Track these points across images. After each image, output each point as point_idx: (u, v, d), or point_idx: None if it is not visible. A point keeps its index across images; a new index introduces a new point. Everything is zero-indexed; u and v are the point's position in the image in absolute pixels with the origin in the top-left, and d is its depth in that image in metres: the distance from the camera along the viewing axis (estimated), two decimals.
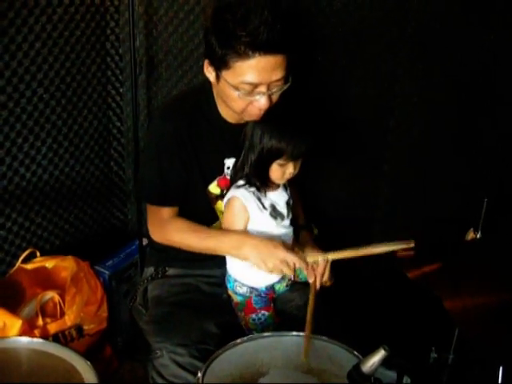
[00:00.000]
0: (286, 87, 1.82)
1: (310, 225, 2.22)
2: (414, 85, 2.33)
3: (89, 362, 1.63)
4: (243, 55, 1.70)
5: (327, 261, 1.90)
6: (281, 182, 1.97)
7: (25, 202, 2.62)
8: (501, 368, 1.42)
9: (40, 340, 1.79)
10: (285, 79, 1.80)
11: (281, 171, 1.92)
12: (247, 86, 1.76)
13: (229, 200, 1.97)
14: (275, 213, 1.98)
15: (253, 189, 1.94)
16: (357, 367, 1.45)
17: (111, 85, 2.91)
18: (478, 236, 1.71)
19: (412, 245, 1.76)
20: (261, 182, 1.94)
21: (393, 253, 1.79)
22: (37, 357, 1.69)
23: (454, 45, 2.20)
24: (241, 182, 1.96)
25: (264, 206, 1.95)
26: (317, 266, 1.89)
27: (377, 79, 2.36)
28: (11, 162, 2.52)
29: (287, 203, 2.03)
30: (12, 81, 2.43)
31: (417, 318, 2.36)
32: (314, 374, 1.62)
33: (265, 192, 1.96)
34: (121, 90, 2.93)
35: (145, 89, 2.83)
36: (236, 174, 1.98)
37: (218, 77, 1.82)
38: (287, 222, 2.03)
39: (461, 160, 2.29)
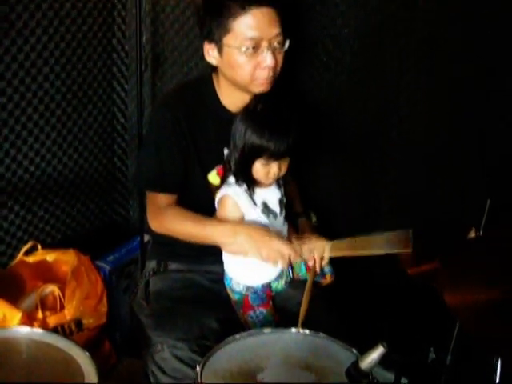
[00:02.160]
0: (287, 45, 1.88)
1: (308, 213, 2.23)
2: (418, 83, 2.32)
3: (87, 353, 1.64)
4: (239, 13, 1.79)
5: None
6: (266, 182, 1.95)
7: (27, 195, 2.63)
8: (499, 361, 1.43)
9: (40, 330, 1.80)
10: (284, 37, 1.86)
11: (264, 171, 1.91)
12: (249, 42, 1.81)
13: (221, 198, 1.97)
14: (267, 210, 1.97)
15: (244, 186, 1.94)
16: (355, 364, 1.45)
17: (116, 81, 2.92)
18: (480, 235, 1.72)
19: (410, 235, 1.78)
20: (246, 181, 1.94)
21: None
22: (36, 347, 1.69)
23: (461, 44, 2.20)
24: (232, 180, 1.96)
25: (255, 203, 1.95)
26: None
27: (381, 77, 2.36)
28: (15, 154, 2.53)
29: (280, 201, 2.02)
30: (18, 74, 2.44)
31: (416, 316, 2.36)
32: (312, 370, 1.61)
33: (253, 190, 1.95)
34: (126, 87, 2.94)
35: (150, 85, 2.84)
36: (226, 171, 1.98)
37: (220, 50, 1.86)
38: (281, 219, 2.03)
39: (464, 159, 2.29)
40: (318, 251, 1.93)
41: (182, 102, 1.99)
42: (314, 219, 2.22)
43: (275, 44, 1.85)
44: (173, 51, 2.76)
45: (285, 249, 1.85)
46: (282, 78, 1.94)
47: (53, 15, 2.51)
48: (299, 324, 1.80)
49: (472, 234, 1.76)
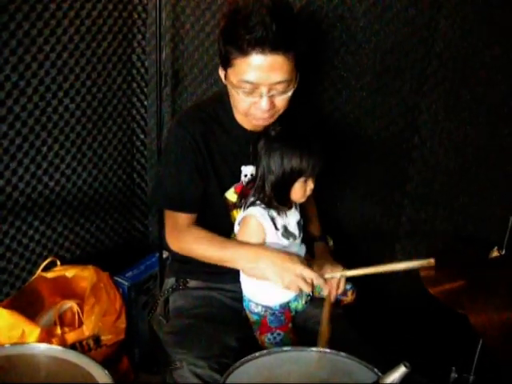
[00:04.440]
0: (290, 93, 1.83)
1: (325, 236, 2.21)
2: (439, 103, 2.31)
3: (106, 371, 1.62)
4: (243, 52, 1.74)
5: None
6: (302, 200, 1.96)
7: (47, 211, 2.64)
8: None
9: (58, 347, 1.78)
10: (289, 83, 1.80)
11: (303, 189, 1.91)
12: (247, 84, 1.78)
13: (245, 217, 1.95)
14: (287, 233, 1.96)
15: (267, 209, 1.93)
16: (377, 383, 1.43)
17: (136, 97, 2.93)
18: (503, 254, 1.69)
19: (432, 263, 1.75)
20: (280, 203, 1.93)
21: (414, 271, 1.78)
22: (55, 363, 1.68)
23: (482, 64, 2.19)
24: (252, 200, 1.95)
25: (276, 227, 1.94)
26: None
27: (402, 96, 2.35)
28: (35, 170, 2.54)
29: (298, 223, 2.02)
30: (39, 89, 2.46)
31: (438, 335, 2.33)
32: None
33: (285, 213, 1.96)
34: (145, 103, 2.96)
35: (169, 102, 2.86)
36: (253, 196, 1.96)
37: (226, 77, 1.86)
38: (298, 241, 2.02)
39: (485, 178, 2.27)
40: (334, 280, 1.93)
41: (198, 121, 1.98)
42: (330, 243, 2.21)
43: (275, 91, 1.80)
44: (192, 67, 2.78)
45: (307, 273, 1.84)
46: (298, 95, 1.92)
47: (73, 31, 2.53)
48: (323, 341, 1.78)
49: (495, 253, 1.74)
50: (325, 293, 1.92)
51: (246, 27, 1.71)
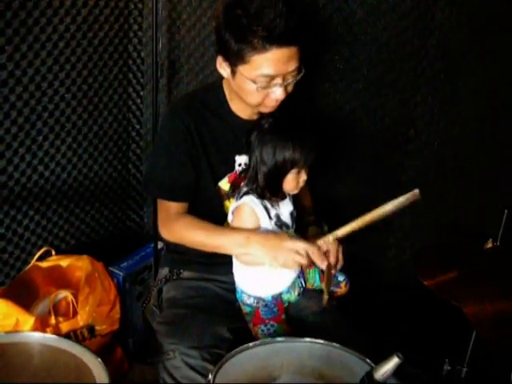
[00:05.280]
0: (299, 77, 1.85)
1: (320, 223, 2.20)
2: (435, 95, 2.32)
3: (99, 359, 1.62)
4: (260, 49, 1.73)
5: (337, 239, 1.91)
6: (295, 191, 1.96)
7: (42, 200, 2.63)
8: None
9: (52, 336, 1.79)
10: (299, 69, 1.83)
11: (295, 181, 1.91)
12: (264, 78, 1.78)
13: (238, 206, 1.95)
14: (280, 223, 1.96)
15: (260, 198, 1.93)
16: (369, 374, 1.43)
17: (132, 87, 2.93)
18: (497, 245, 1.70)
19: (417, 193, 1.77)
20: (273, 194, 1.93)
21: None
22: (48, 352, 1.68)
23: (478, 56, 2.19)
24: (245, 189, 1.95)
25: (270, 216, 1.94)
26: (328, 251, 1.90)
27: (398, 89, 2.36)
28: (31, 159, 2.53)
29: (291, 214, 2.02)
30: (34, 79, 2.45)
31: (432, 328, 2.33)
32: (327, 380, 1.60)
33: (277, 203, 1.96)
34: (141, 93, 2.95)
35: (165, 92, 2.85)
36: (246, 186, 1.96)
37: (233, 72, 1.84)
38: (291, 231, 2.01)
39: (481, 171, 2.27)
40: (332, 249, 1.91)
41: (192, 109, 1.98)
42: (325, 228, 2.20)
43: (289, 78, 1.82)
44: (189, 58, 2.77)
45: (300, 245, 1.83)
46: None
47: (70, 21, 2.51)
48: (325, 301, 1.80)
49: (489, 245, 1.74)
50: (324, 265, 1.87)
51: (262, 22, 1.71)
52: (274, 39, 1.71)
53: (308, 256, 1.83)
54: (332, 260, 1.90)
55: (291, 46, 1.75)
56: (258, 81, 1.79)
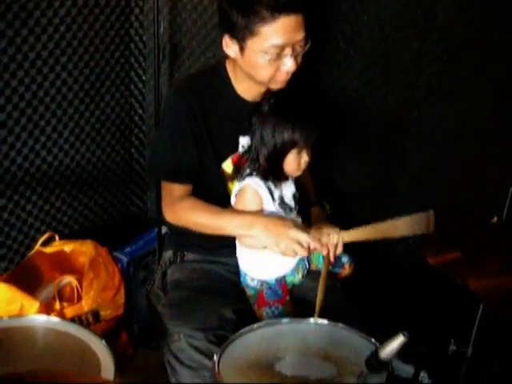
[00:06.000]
0: (307, 48, 1.85)
1: (322, 202, 2.20)
2: (439, 78, 2.30)
3: (104, 342, 1.63)
4: (268, 18, 1.73)
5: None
6: (297, 172, 1.95)
7: (45, 185, 2.63)
8: None
9: (57, 319, 1.79)
10: (306, 40, 1.83)
11: (296, 162, 1.90)
12: (274, 49, 1.77)
13: (242, 188, 1.94)
14: (283, 204, 1.96)
15: (263, 180, 1.93)
16: (375, 353, 1.43)
17: (134, 71, 2.91)
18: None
19: (432, 217, 1.73)
20: (274, 176, 1.92)
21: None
22: (53, 335, 1.69)
23: (482, 40, 2.18)
24: (249, 171, 1.94)
25: (273, 198, 1.94)
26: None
27: (401, 68, 2.34)
28: (33, 144, 2.53)
29: (294, 196, 2.01)
30: (36, 63, 2.44)
31: (437, 308, 2.33)
32: (331, 360, 1.59)
33: (280, 185, 1.95)
34: (143, 77, 2.94)
35: (167, 76, 2.83)
36: (245, 163, 1.96)
37: (242, 48, 1.82)
38: (294, 213, 2.01)
39: (485, 148, 2.26)
40: (332, 239, 1.90)
41: (195, 91, 1.96)
42: (327, 209, 2.20)
43: (298, 48, 1.82)
44: (190, 41, 2.76)
45: (303, 237, 1.82)
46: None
47: (71, 4, 2.50)
48: (316, 314, 1.78)
49: (494, 221, 1.73)
50: (323, 253, 1.90)
51: None
52: (281, 7, 1.72)
53: (308, 249, 1.83)
54: (332, 248, 1.90)
55: (298, 13, 1.75)
56: (269, 52, 1.78)
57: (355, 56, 2.40)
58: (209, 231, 1.96)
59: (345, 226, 1.93)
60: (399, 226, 1.81)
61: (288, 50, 1.79)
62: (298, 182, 2.05)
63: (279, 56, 1.79)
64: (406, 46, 2.32)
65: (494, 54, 2.18)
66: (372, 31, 2.34)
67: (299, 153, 1.89)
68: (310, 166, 1.96)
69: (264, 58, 1.79)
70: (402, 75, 2.35)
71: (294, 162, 1.90)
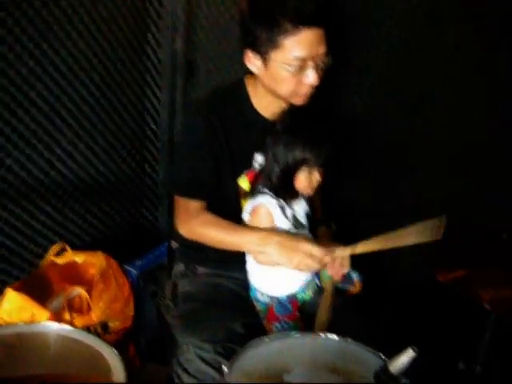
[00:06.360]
0: (330, 62, 1.88)
1: (328, 221, 2.22)
2: (445, 92, 2.32)
3: (115, 350, 1.65)
4: (291, 31, 1.77)
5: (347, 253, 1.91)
6: (309, 191, 1.97)
7: (59, 197, 2.64)
8: None
9: (69, 327, 1.81)
10: (328, 55, 1.87)
11: (307, 180, 1.92)
12: (297, 61, 1.81)
13: (255, 207, 1.97)
14: (296, 223, 1.98)
15: (277, 199, 1.95)
16: (384, 368, 1.44)
17: (149, 88, 2.94)
18: None
19: (443, 223, 1.73)
20: (286, 193, 1.95)
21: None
22: (64, 342, 1.71)
23: (489, 46, 2.20)
24: (263, 189, 1.97)
25: (286, 216, 1.96)
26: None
27: (409, 83, 2.36)
28: (49, 156, 2.55)
29: (306, 214, 2.04)
30: (54, 77, 2.47)
31: (447, 322, 2.33)
32: (340, 373, 1.61)
33: (293, 203, 1.98)
34: (158, 94, 2.96)
35: (182, 93, 2.86)
36: (259, 180, 1.98)
37: (265, 61, 1.85)
38: (306, 231, 2.03)
39: (494, 164, 2.28)
40: (338, 259, 1.92)
41: (215, 107, 2.00)
42: (333, 228, 2.21)
43: (320, 62, 1.86)
44: (206, 59, 2.79)
45: (315, 250, 1.84)
46: None
47: (89, 21, 2.54)
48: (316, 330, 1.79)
49: (504, 238, 1.74)
50: (329, 272, 1.92)
51: (290, 4, 1.76)
52: (303, 20, 1.76)
53: (321, 263, 1.85)
54: (339, 272, 1.93)
55: (320, 27, 1.79)
56: (292, 64, 1.81)
57: (366, 71, 2.42)
58: (223, 246, 1.98)
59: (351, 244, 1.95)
60: (410, 233, 1.81)
61: (310, 63, 1.82)
62: (309, 200, 2.07)
63: (301, 69, 1.82)
64: (413, 59, 2.34)
65: (501, 69, 2.20)
66: (381, 47, 2.36)
67: (310, 171, 1.91)
68: (322, 185, 1.99)
69: (287, 69, 1.82)
70: (408, 95, 2.37)
71: (306, 180, 1.92)
